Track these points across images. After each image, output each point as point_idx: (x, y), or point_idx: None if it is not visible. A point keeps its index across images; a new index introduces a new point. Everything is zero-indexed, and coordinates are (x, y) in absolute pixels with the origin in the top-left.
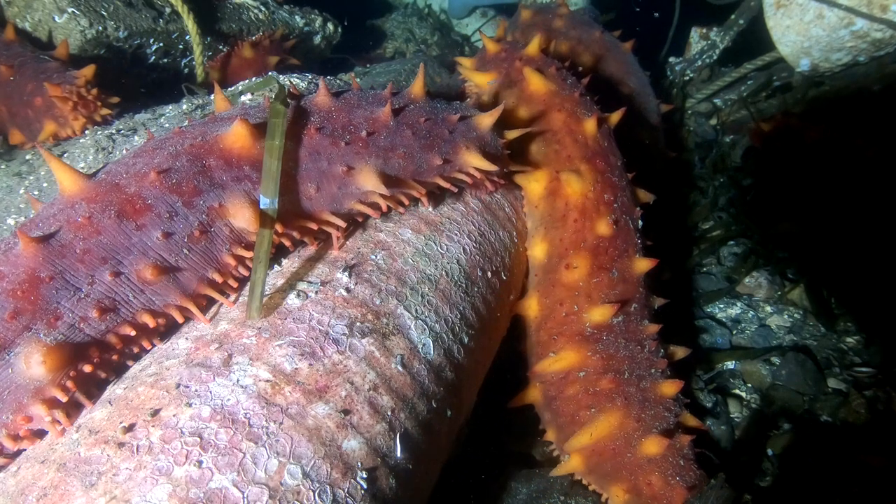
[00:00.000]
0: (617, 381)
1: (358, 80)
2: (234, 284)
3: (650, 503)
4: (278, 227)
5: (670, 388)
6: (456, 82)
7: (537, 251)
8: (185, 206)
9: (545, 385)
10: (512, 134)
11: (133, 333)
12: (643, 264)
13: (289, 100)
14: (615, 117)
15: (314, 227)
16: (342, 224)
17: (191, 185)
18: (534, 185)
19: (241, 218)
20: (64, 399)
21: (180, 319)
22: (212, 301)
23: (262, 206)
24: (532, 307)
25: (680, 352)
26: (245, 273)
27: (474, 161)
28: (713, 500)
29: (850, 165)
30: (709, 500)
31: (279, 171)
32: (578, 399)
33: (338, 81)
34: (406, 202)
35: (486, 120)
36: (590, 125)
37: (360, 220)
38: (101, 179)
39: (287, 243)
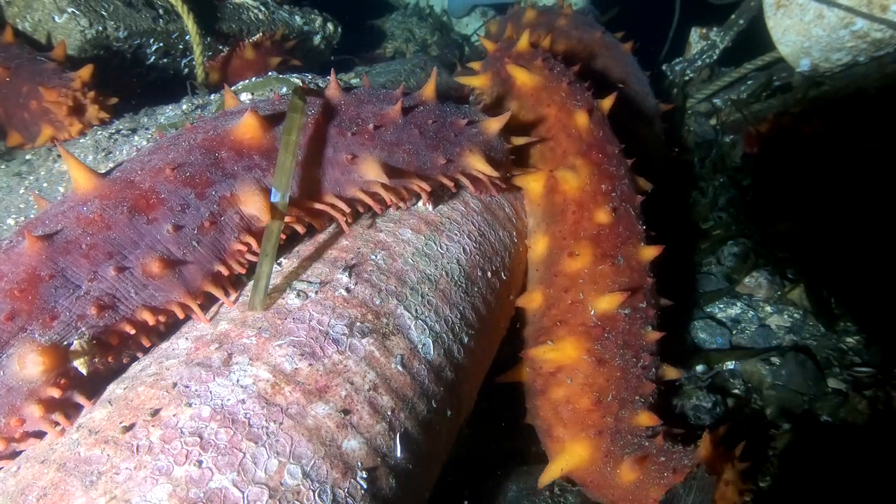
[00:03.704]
0: (597, 404)
1: (357, 80)
2: (242, 270)
3: None
4: (289, 210)
5: (647, 420)
6: (455, 82)
7: (539, 246)
8: (197, 198)
9: (534, 372)
10: (518, 141)
11: (132, 331)
12: (649, 252)
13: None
14: (607, 103)
15: (319, 208)
16: (346, 208)
17: (204, 178)
18: (533, 184)
19: (252, 205)
20: (60, 399)
21: (181, 315)
22: (212, 301)
23: (273, 200)
24: (535, 299)
25: (672, 373)
26: (252, 259)
27: (477, 164)
28: (696, 487)
29: (850, 157)
30: (692, 489)
31: (293, 165)
32: (557, 408)
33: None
34: (408, 197)
35: (494, 125)
36: (581, 118)
37: (361, 210)
38: (115, 177)
39: (300, 228)
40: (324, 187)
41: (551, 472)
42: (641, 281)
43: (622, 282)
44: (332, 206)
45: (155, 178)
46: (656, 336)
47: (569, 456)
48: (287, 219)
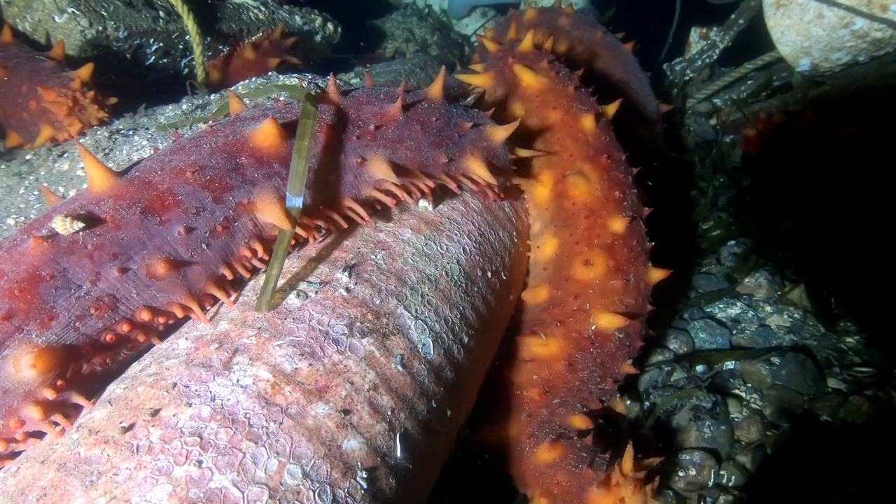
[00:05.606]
0: (542, 398)
1: (358, 80)
2: (247, 275)
3: (565, 500)
4: (306, 221)
5: (580, 422)
6: (455, 81)
7: (548, 248)
8: (214, 202)
9: (513, 357)
10: (523, 153)
11: (130, 332)
12: (656, 274)
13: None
14: (611, 109)
15: (339, 215)
16: (365, 213)
17: (223, 182)
18: (540, 189)
19: (269, 214)
20: (57, 401)
21: (180, 315)
22: (212, 300)
23: (287, 205)
24: (541, 294)
25: (621, 406)
26: (257, 264)
27: (477, 169)
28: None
29: (843, 153)
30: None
31: (306, 170)
32: (507, 389)
33: (338, 82)
34: (417, 194)
35: (500, 133)
36: (587, 122)
37: (379, 207)
38: (133, 177)
39: (315, 236)
40: (341, 193)
41: (488, 433)
42: (643, 308)
43: (628, 302)
44: (351, 209)
45: (174, 179)
46: (630, 370)
47: (500, 429)
48: (303, 232)
